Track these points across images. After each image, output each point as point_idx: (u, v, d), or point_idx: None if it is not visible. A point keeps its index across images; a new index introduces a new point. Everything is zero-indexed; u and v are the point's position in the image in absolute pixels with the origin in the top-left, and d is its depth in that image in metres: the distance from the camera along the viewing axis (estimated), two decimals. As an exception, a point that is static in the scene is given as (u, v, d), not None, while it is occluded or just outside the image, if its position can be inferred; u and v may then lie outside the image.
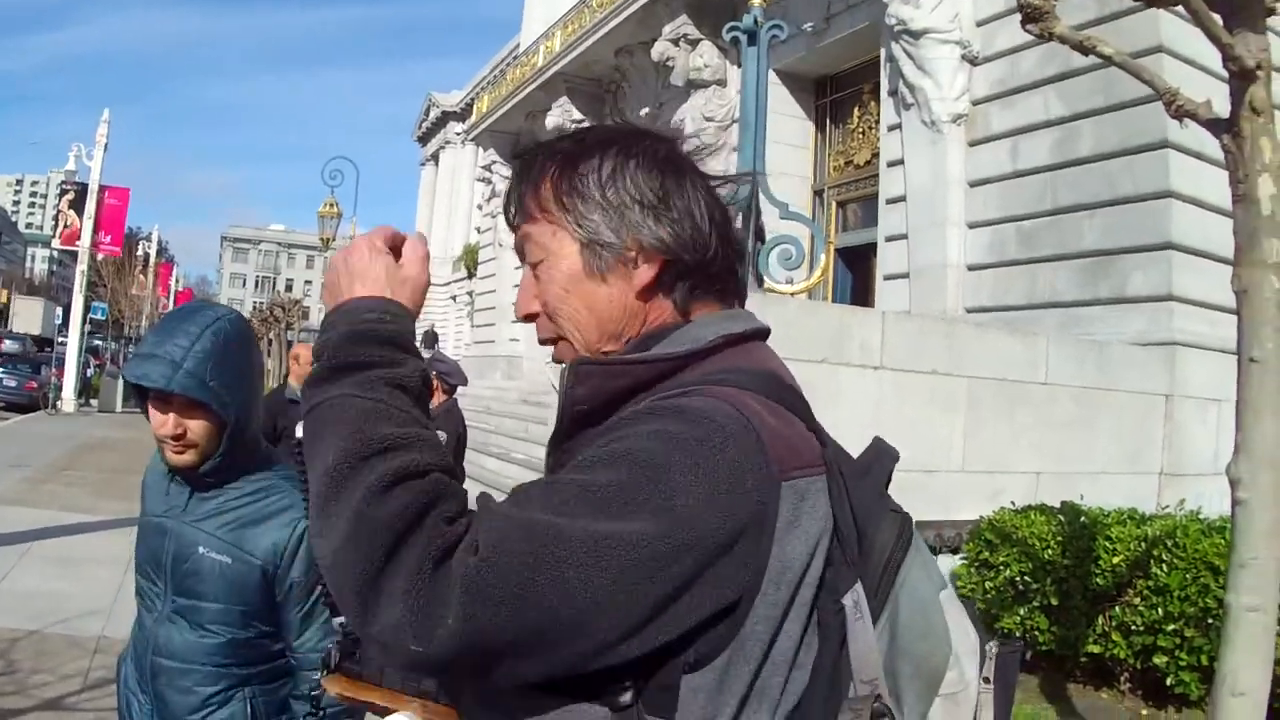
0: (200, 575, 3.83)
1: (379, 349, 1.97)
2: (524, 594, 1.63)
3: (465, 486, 7.16)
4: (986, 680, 2.13)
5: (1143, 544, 9.31)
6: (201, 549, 3.85)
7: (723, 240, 2.18)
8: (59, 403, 45.04)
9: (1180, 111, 5.88)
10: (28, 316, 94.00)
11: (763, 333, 2.19)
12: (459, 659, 1.66)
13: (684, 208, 2.13)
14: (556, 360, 2.24)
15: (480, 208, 58.80)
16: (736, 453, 1.78)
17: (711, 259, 2.15)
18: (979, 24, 18.81)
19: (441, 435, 7.01)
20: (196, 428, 3.79)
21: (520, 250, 2.27)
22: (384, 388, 1.93)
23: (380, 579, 1.67)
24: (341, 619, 2.35)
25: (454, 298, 71.19)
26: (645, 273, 2.10)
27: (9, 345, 63.80)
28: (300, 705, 3.85)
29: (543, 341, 2.26)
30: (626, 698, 1.76)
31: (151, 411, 3.85)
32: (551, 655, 1.67)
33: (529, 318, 2.25)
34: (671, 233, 2.10)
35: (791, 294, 13.17)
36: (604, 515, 1.68)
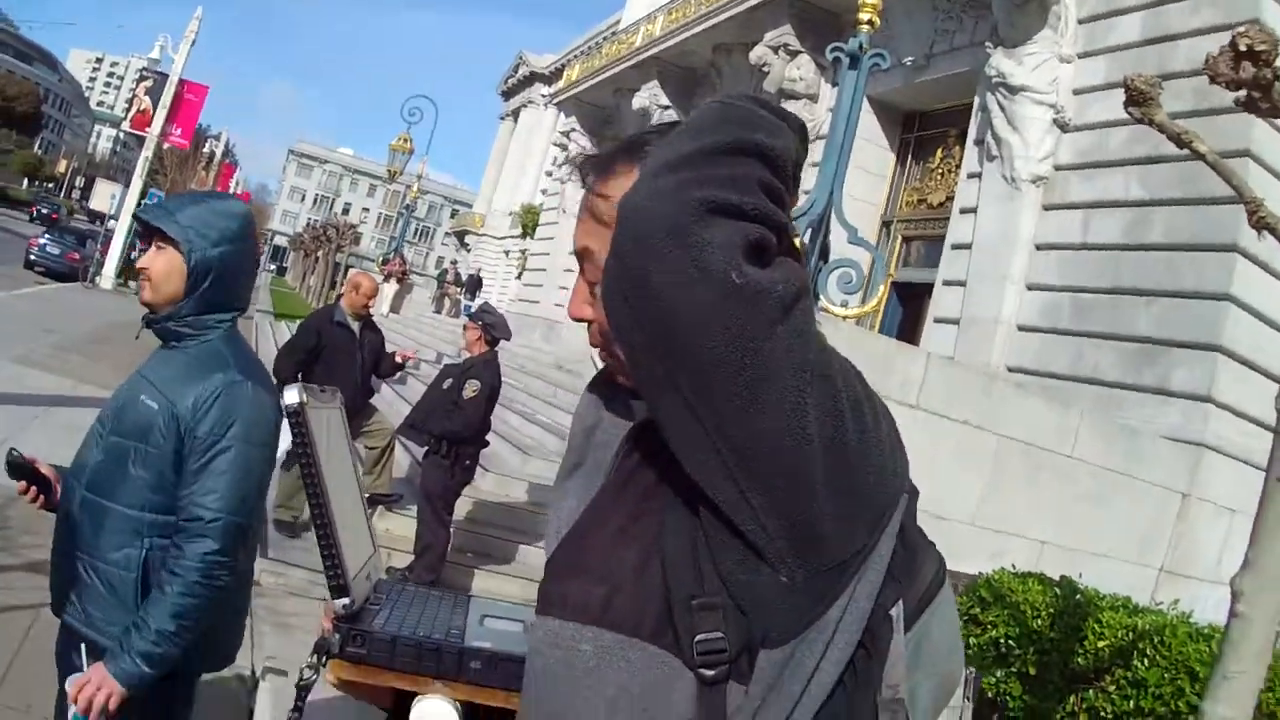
0: (134, 418, 4.23)
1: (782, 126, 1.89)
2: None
3: (489, 438, 7.32)
4: (968, 698, 2.25)
5: (1130, 634, 9.23)
6: (142, 396, 4.26)
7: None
8: (98, 278, 45.24)
9: (1260, 223, 5.86)
10: (105, 196, 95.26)
11: None
12: (757, 306, 1.68)
13: None
14: (607, 372, 2.28)
15: (550, 173, 58.80)
16: (895, 442, 1.98)
17: None
18: (1075, 92, 18.77)
19: (475, 384, 7.26)
20: (163, 264, 4.33)
21: (580, 259, 2.23)
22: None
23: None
24: (345, 600, 2.32)
25: (506, 252, 71.24)
26: None
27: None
28: (173, 551, 4.10)
29: (594, 344, 2.25)
30: (721, 671, 1.80)
31: None
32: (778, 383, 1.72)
33: (581, 319, 2.24)
34: None
35: (843, 317, 13.18)
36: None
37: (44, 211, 79.31)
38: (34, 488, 4.36)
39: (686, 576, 1.85)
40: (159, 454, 4.16)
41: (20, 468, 4.35)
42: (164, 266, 4.31)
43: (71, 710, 3.97)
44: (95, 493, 4.21)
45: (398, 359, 14.41)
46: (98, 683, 3.96)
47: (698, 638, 1.80)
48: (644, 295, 1.72)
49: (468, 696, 2.34)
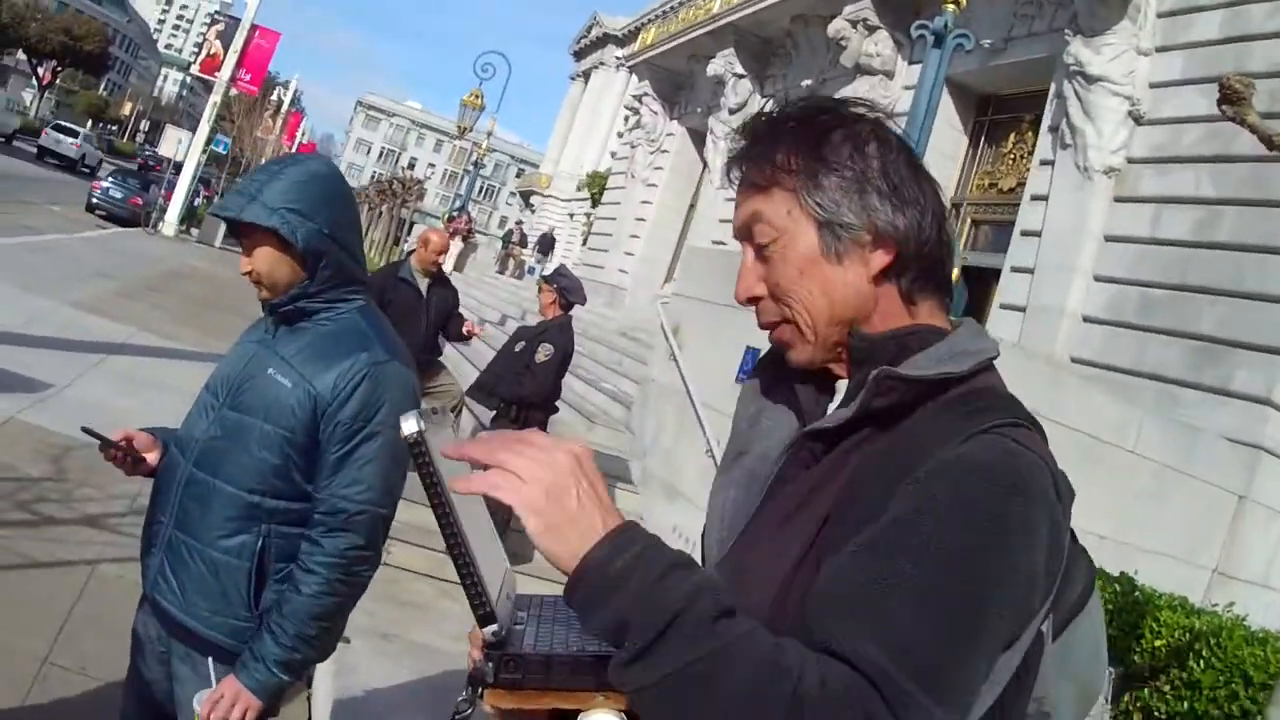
0: (258, 392, 3.93)
1: (664, 597, 1.67)
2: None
3: (557, 405, 7.33)
4: (1107, 699, 2.24)
5: (1187, 635, 9.20)
6: (270, 370, 3.94)
7: (938, 233, 2.14)
8: (160, 224, 45.23)
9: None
10: (173, 142, 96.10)
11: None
12: None
13: (914, 197, 2.10)
14: (776, 342, 2.19)
15: (620, 135, 58.54)
16: (1059, 514, 1.90)
17: (931, 251, 2.13)
18: (1151, 86, 18.75)
19: (549, 348, 7.31)
20: (267, 258, 3.94)
21: (745, 230, 2.17)
22: (706, 630, 1.65)
23: None
24: (493, 628, 2.13)
25: (571, 215, 71.19)
26: (880, 259, 2.08)
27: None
28: (308, 546, 3.87)
29: (765, 325, 2.20)
30: None
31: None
32: None
33: (752, 301, 2.19)
34: (905, 221, 2.08)
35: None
36: (967, 598, 1.69)
37: (150, 164, 79.79)
38: (119, 453, 3.98)
39: None
40: (288, 436, 3.87)
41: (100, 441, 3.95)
42: (267, 261, 3.97)
43: None
44: (205, 470, 3.92)
45: (465, 330, 14.21)
46: (232, 698, 3.80)
47: None
48: None
49: (631, 706, 2.11)
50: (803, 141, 2.10)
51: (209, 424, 4.02)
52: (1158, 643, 9.30)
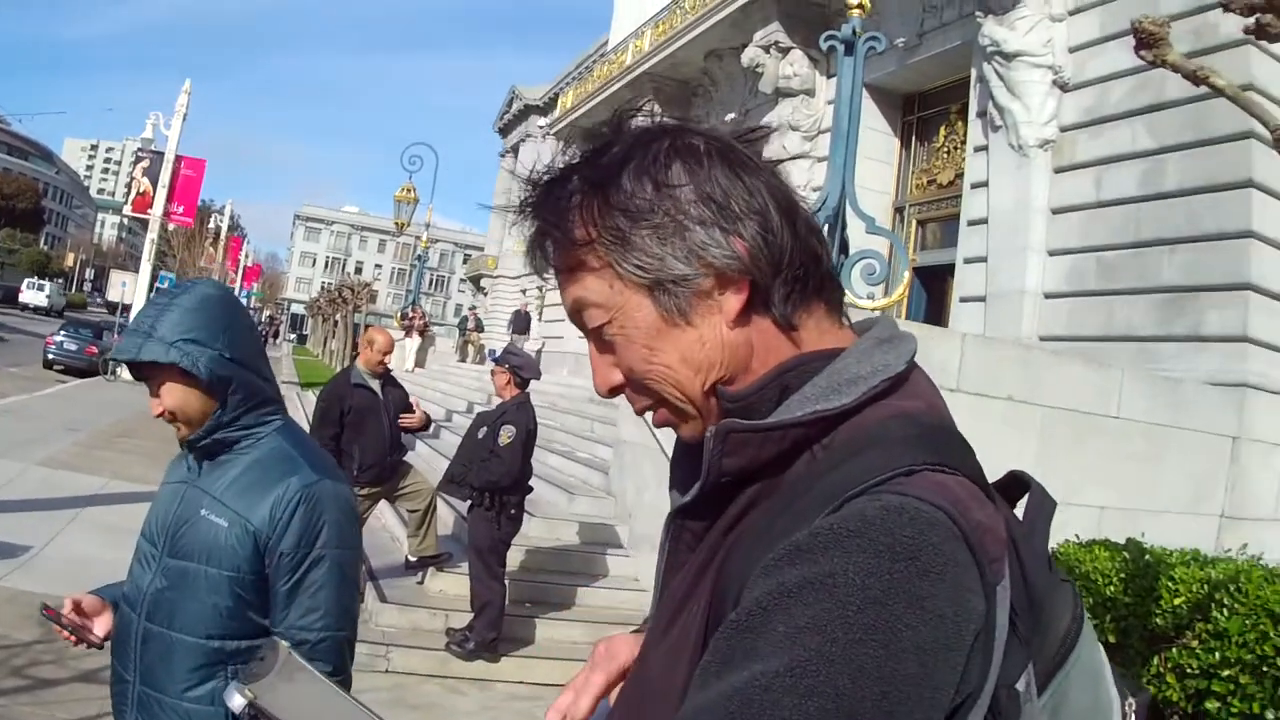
0: (195, 536, 3.82)
1: None
2: None
3: (531, 484, 7.20)
4: None
5: (1205, 587, 9.09)
6: (203, 511, 3.84)
7: (794, 229, 1.76)
8: (118, 370, 44.68)
9: (1290, 145, 5.73)
10: (117, 286, 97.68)
11: (914, 352, 1.82)
12: None
13: (745, 207, 1.73)
14: (660, 425, 1.87)
15: (558, 201, 59.06)
16: (954, 580, 1.45)
17: (794, 257, 1.75)
18: (1071, 50, 18.74)
19: (511, 429, 7.16)
20: (175, 394, 3.83)
21: (577, 319, 1.89)
22: None
23: None
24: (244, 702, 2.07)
25: (524, 290, 71.20)
26: (733, 302, 1.73)
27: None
28: None
29: (640, 411, 1.89)
30: None
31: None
32: None
33: (615, 391, 1.88)
34: (747, 243, 1.72)
35: (871, 310, 13.05)
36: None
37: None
38: (64, 630, 3.91)
39: None
40: (234, 576, 3.76)
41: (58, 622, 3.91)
42: (176, 397, 3.84)
43: None
44: (159, 623, 3.81)
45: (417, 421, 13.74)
46: None
47: None
48: None
49: None
50: (593, 199, 1.77)
51: (153, 575, 3.91)
52: (1177, 600, 9.21)
